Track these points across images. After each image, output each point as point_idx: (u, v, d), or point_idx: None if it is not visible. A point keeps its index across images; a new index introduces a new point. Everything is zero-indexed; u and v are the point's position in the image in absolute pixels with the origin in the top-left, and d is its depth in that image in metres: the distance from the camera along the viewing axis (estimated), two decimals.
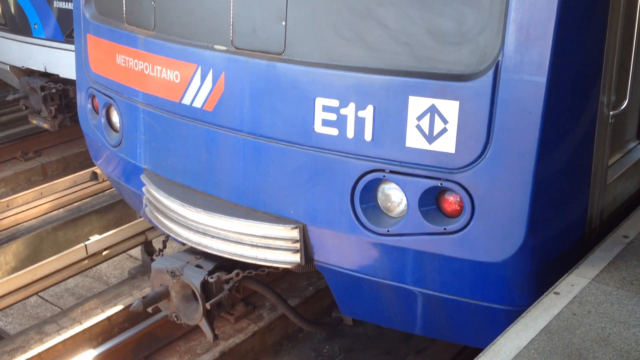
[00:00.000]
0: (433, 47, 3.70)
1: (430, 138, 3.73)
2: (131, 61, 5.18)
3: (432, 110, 3.68)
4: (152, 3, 4.93)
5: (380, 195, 4.08)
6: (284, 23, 4.16)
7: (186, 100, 4.75)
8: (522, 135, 3.54)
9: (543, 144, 3.53)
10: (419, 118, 3.73)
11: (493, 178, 3.65)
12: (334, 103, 4.00)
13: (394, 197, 4.04)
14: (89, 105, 5.84)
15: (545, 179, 3.63)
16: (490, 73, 3.52)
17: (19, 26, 9.87)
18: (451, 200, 3.85)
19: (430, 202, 3.89)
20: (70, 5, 9.12)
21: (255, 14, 4.31)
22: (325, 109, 4.04)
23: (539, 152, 3.53)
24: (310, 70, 4.08)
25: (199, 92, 4.66)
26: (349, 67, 3.94)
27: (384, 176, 3.95)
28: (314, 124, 4.10)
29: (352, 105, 3.94)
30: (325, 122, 4.06)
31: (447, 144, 3.68)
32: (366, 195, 4.06)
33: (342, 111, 3.98)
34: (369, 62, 3.88)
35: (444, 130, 3.68)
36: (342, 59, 3.98)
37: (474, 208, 3.74)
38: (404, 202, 3.97)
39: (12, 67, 10.25)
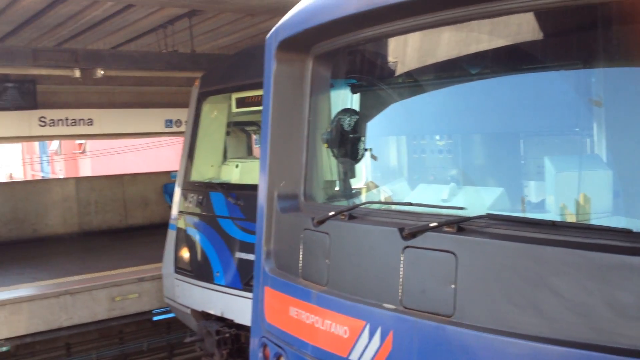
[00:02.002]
0: (613, 321, 3.53)
1: None
2: (303, 314, 5.41)
3: None
4: (327, 261, 5.26)
5: None
6: (453, 286, 4.22)
7: (353, 356, 4.79)
8: None
9: None
10: None
11: None
12: None
13: None
14: (260, 354, 6.05)
15: None
16: None
17: (203, 273, 10.81)
18: None
19: None
20: (249, 257, 9.94)
21: (425, 276, 4.43)
22: None
23: None
24: (481, 336, 4.00)
25: (366, 349, 4.70)
26: (522, 335, 3.82)
27: None
28: None
29: None
30: None
31: None
32: None
33: None
34: (544, 332, 3.75)
35: None
36: (515, 326, 3.88)
37: None
38: None
39: (193, 311, 11.03)
